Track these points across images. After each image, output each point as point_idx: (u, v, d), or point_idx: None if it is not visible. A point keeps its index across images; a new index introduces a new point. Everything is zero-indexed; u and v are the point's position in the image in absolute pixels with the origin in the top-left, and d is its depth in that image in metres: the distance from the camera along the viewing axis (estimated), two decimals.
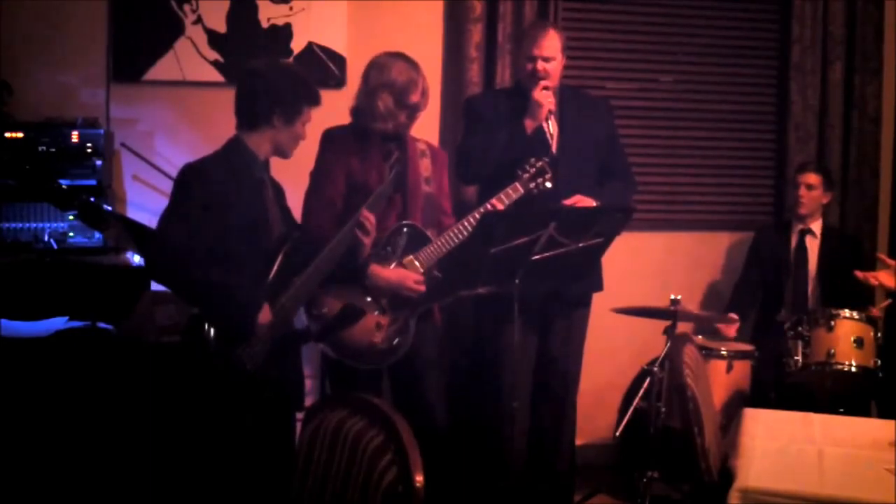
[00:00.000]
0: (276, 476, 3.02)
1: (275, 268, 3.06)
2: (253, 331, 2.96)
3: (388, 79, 3.49)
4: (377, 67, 3.54)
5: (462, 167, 3.83)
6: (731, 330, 4.44)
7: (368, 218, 3.26)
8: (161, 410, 3.52)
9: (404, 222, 3.54)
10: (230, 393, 2.95)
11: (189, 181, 3.01)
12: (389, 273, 3.46)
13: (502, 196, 3.53)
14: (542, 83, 3.69)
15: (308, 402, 4.00)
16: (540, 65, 3.73)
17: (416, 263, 3.50)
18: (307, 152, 3.55)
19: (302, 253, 3.17)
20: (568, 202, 3.67)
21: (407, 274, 3.47)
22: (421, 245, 3.52)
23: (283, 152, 3.14)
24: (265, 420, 3.03)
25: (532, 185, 3.55)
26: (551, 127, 3.75)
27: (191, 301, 3.07)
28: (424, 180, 3.62)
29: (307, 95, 3.10)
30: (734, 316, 4.47)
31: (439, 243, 3.51)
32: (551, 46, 3.76)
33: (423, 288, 3.47)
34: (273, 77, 3.08)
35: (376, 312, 3.46)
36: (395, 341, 3.47)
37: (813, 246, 4.62)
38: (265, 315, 2.98)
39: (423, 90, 3.54)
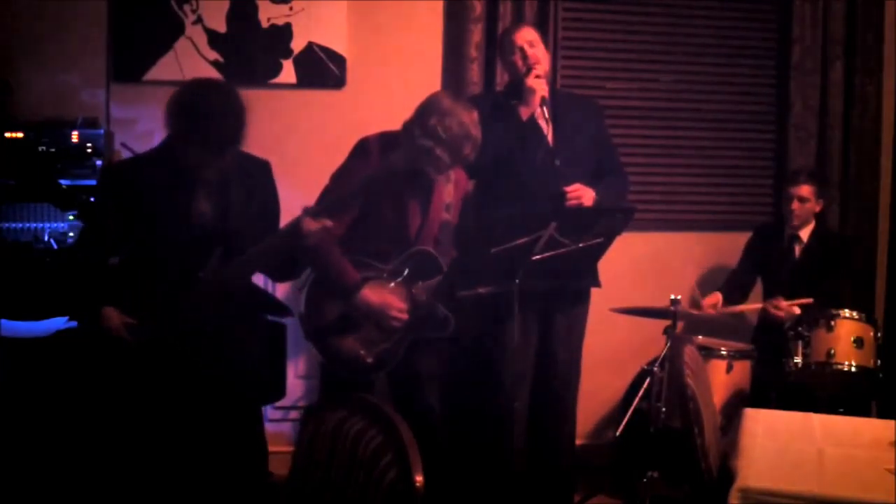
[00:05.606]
0: (240, 469, 3.02)
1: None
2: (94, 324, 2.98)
3: (448, 135, 3.31)
4: (439, 113, 3.33)
5: None
6: (709, 300, 4.39)
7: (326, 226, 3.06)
8: (159, 411, 3.52)
9: (419, 248, 3.50)
10: (164, 388, 2.99)
11: (105, 183, 3.04)
12: (374, 298, 3.39)
13: None
14: (535, 72, 3.71)
15: (307, 402, 3.99)
16: (528, 50, 3.76)
17: (420, 291, 3.46)
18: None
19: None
20: (569, 188, 3.67)
21: (391, 302, 3.41)
22: (431, 271, 3.48)
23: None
24: (219, 416, 3.03)
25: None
26: (545, 114, 3.76)
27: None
28: (445, 207, 3.59)
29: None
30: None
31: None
32: (530, 34, 3.82)
33: (405, 317, 3.41)
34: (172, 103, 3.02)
35: (372, 328, 3.43)
36: (383, 359, 3.44)
37: (798, 251, 4.61)
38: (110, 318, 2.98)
39: (474, 142, 3.36)
